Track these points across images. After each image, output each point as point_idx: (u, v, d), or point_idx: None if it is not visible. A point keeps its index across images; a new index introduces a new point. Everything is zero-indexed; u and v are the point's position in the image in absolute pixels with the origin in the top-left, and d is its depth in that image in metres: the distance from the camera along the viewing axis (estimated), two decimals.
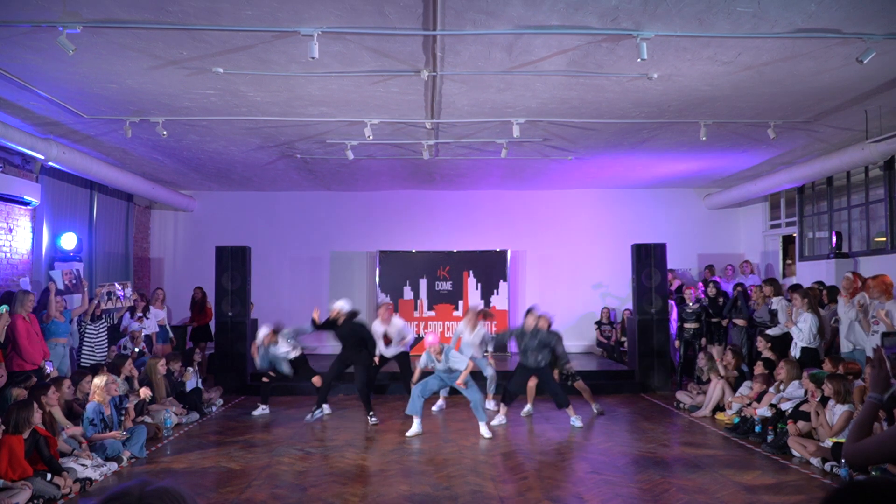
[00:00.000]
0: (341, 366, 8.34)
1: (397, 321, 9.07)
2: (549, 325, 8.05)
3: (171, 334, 10.59)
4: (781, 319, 8.65)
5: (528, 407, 8.53)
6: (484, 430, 7.29)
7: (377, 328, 8.87)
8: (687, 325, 10.49)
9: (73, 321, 8.12)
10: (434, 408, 8.71)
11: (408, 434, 7.31)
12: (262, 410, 8.61)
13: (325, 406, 8.45)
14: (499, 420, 7.87)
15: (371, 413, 8.04)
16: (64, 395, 6.32)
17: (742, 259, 12.61)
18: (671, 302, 11.35)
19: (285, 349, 8.54)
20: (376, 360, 8.64)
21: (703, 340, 10.20)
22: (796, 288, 8.44)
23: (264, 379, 8.74)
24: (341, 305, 8.39)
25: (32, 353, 6.85)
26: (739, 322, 9.97)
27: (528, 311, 8.09)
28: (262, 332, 8.58)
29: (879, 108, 7.36)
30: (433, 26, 5.02)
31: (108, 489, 5.34)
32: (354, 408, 8.95)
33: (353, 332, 8.34)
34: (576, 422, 7.76)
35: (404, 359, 9.06)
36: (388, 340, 8.88)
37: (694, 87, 6.59)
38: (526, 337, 7.91)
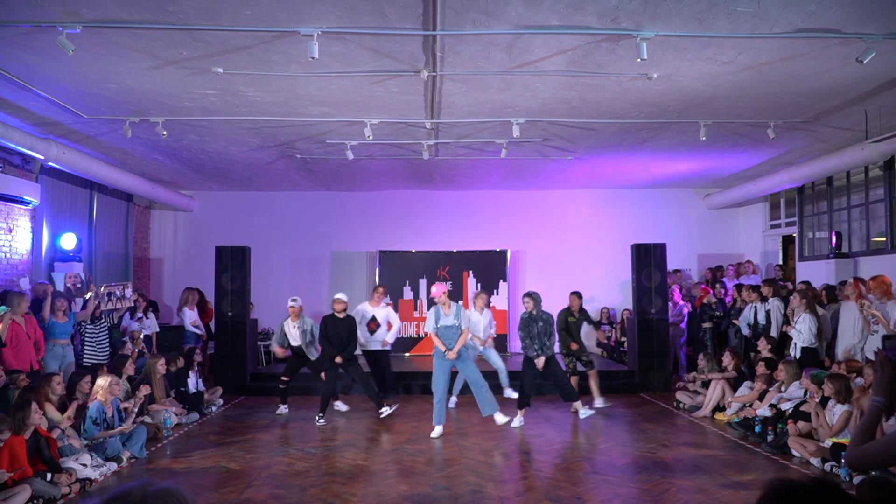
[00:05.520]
0: (337, 369, 8.24)
1: (385, 307, 9.09)
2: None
3: (195, 331, 10.56)
4: (746, 317, 9.15)
5: (598, 400, 8.74)
6: (498, 417, 7.45)
7: (366, 310, 8.86)
8: (703, 325, 10.58)
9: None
10: (449, 404, 8.81)
11: (432, 435, 7.29)
12: (283, 410, 8.69)
13: (338, 403, 8.64)
14: (518, 422, 7.79)
15: (383, 407, 8.14)
16: (53, 390, 6.27)
17: (742, 259, 12.61)
18: (684, 303, 11.42)
19: (297, 335, 8.58)
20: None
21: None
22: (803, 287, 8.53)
23: (281, 385, 8.78)
24: (344, 296, 8.37)
25: (20, 355, 6.84)
26: (736, 322, 9.99)
27: (526, 296, 8.05)
28: (296, 303, 8.60)
29: (879, 108, 7.36)
30: (433, 26, 5.01)
31: (109, 489, 5.36)
32: (354, 408, 8.96)
33: (347, 326, 8.26)
34: (585, 412, 7.78)
35: (384, 357, 8.89)
36: (374, 325, 8.85)
37: (694, 87, 6.59)
38: (532, 322, 7.85)
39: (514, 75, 6.20)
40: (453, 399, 8.89)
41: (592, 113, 7.53)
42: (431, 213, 13.41)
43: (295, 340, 8.60)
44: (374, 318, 8.89)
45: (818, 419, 6.31)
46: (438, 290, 7.55)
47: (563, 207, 13.42)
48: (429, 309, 12.54)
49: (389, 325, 8.90)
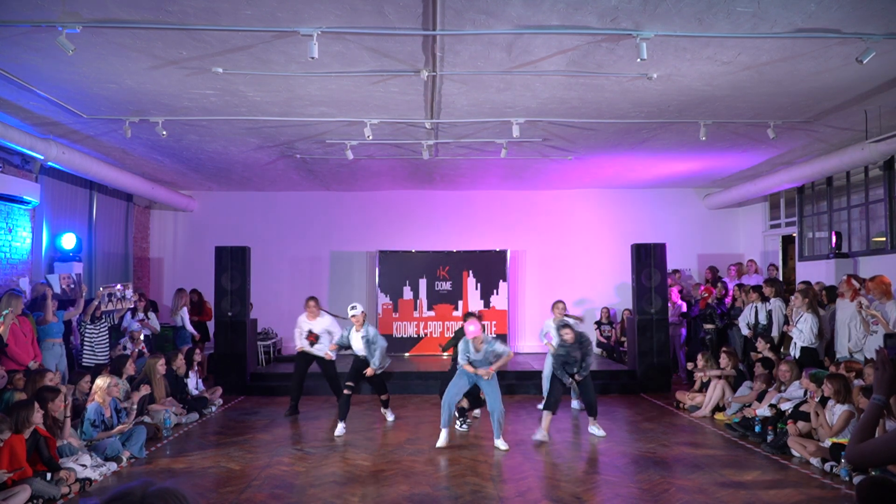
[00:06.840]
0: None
1: (325, 318, 8.73)
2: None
3: (193, 333, 10.55)
4: (749, 318, 9.13)
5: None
6: (500, 443, 6.82)
7: (302, 323, 8.64)
8: (707, 326, 10.60)
9: (73, 321, 8.11)
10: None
11: (437, 444, 6.85)
12: (341, 430, 7.57)
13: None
14: (541, 436, 7.13)
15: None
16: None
17: (742, 259, 12.60)
18: (680, 302, 11.42)
19: (361, 345, 7.98)
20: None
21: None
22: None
23: (346, 391, 7.79)
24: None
25: (19, 354, 6.84)
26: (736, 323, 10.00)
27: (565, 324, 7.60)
28: (356, 310, 8.00)
29: (879, 108, 7.35)
30: (433, 26, 5.02)
31: (109, 489, 5.36)
32: (355, 410, 8.95)
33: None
34: (595, 429, 7.48)
35: (331, 368, 8.55)
36: (313, 338, 8.58)
37: (694, 87, 6.59)
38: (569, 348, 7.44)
39: (513, 75, 6.20)
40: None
41: (592, 113, 7.53)
42: (431, 213, 13.41)
43: (360, 350, 7.98)
44: (311, 332, 8.61)
45: (818, 419, 6.32)
46: (476, 329, 6.85)
47: (562, 207, 13.41)
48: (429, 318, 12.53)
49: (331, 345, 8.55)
